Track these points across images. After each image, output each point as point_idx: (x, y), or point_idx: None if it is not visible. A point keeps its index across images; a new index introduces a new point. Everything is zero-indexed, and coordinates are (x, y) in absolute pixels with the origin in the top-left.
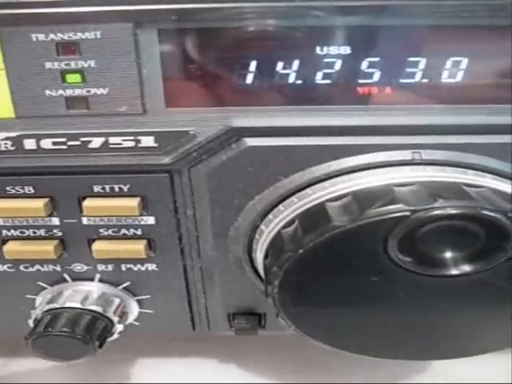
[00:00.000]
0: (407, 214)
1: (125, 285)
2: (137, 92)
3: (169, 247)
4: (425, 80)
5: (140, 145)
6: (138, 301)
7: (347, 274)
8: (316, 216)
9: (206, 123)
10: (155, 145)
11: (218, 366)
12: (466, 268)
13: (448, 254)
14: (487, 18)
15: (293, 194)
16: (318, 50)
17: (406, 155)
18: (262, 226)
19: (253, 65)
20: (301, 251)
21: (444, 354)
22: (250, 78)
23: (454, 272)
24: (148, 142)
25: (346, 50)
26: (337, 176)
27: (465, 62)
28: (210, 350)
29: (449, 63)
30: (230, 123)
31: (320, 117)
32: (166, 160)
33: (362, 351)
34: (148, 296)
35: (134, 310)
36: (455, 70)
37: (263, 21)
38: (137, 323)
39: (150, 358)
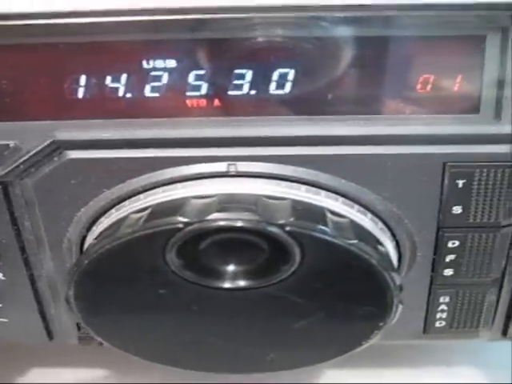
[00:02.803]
0: (180, 226)
1: None
2: None
3: (12, 257)
4: (252, 92)
5: None
6: None
7: (136, 285)
8: (113, 228)
9: (29, 136)
10: None
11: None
12: (241, 283)
13: (230, 268)
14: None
15: (114, 205)
16: (144, 63)
17: (221, 167)
18: (88, 237)
19: (82, 79)
20: (86, 262)
21: (251, 367)
22: (80, 92)
23: (228, 285)
24: None
25: (171, 63)
26: (153, 188)
27: (292, 73)
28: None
29: (275, 75)
30: (52, 136)
31: (141, 130)
32: None
33: (174, 363)
34: (0, 305)
35: None
36: (283, 82)
37: (91, 36)
38: None
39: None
